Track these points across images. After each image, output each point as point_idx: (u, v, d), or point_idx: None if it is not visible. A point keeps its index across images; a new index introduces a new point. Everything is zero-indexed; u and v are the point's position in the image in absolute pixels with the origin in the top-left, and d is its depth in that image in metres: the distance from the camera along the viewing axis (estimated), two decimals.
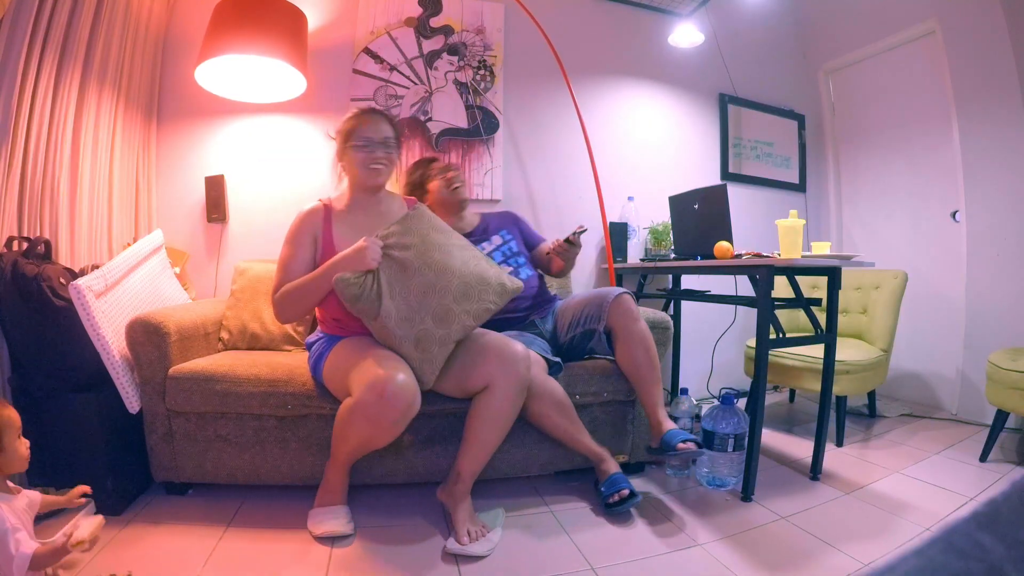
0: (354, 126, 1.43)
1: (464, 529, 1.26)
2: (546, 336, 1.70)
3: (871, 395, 2.35)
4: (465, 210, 1.82)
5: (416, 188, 1.81)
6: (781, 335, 1.67)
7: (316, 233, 1.42)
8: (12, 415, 1.01)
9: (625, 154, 2.64)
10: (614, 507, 1.42)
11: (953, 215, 2.47)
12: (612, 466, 1.50)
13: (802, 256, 1.61)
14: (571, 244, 1.59)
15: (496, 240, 1.80)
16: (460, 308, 1.32)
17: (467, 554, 1.21)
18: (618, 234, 2.36)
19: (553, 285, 2.08)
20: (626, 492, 1.42)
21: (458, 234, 1.45)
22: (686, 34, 2.56)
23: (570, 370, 1.57)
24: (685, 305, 2.50)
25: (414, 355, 1.28)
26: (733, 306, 2.53)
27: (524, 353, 1.35)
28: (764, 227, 2.53)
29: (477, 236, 1.79)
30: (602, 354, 1.66)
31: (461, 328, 1.32)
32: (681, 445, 1.41)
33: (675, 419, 1.70)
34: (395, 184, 1.85)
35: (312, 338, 1.49)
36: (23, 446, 1.03)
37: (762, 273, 1.55)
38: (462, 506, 1.31)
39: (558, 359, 1.55)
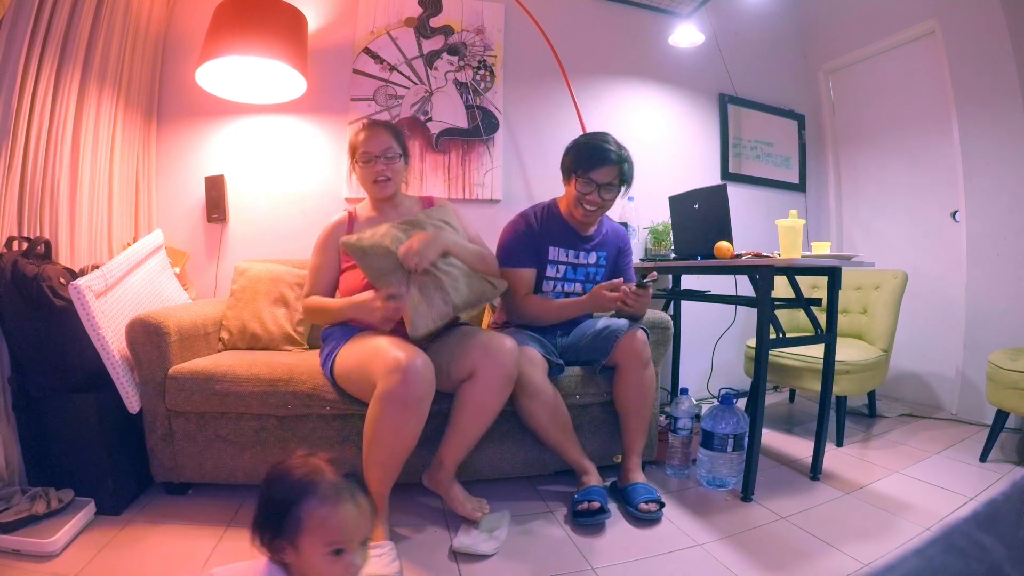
0: (356, 142, 1.51)
1: (467, 507, 1.30)
2: (559, 346, 1.65)
3: (871, 395, 2.34)
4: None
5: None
6: (781, 335, 1.67)
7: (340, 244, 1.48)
8: None
9: None
10: (580, 516, 1.35)
11: (953, 215, 2.47)
12: (594, 480, 1.47)
13: (802, 256, 1.61)
14: (642, 289, 1.50)
15: (592, 258, 1.69)
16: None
17: (475, 552, 1.21)
18: None
19: None
20: (596, 504, 1.35)
21: (459, 251, 1.47)
22: (686, 34, 2.56)
23: (572, 370, 1.57)
24: (685, 305, 2.50)
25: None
26: (733, 306, 2.53)
27: (512, 346, 1.36)
28: (764, 227, 2.52)
29: (586, 245, 1.68)
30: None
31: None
32: (643, 506, 1.38)
33: (675, 419, 1.70)
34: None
35: (328, 329, 1.50)
36: None
37: (762, 273, 1.55)
38: (452, 489, 1.35)
39: (560, 361, 1.54)
